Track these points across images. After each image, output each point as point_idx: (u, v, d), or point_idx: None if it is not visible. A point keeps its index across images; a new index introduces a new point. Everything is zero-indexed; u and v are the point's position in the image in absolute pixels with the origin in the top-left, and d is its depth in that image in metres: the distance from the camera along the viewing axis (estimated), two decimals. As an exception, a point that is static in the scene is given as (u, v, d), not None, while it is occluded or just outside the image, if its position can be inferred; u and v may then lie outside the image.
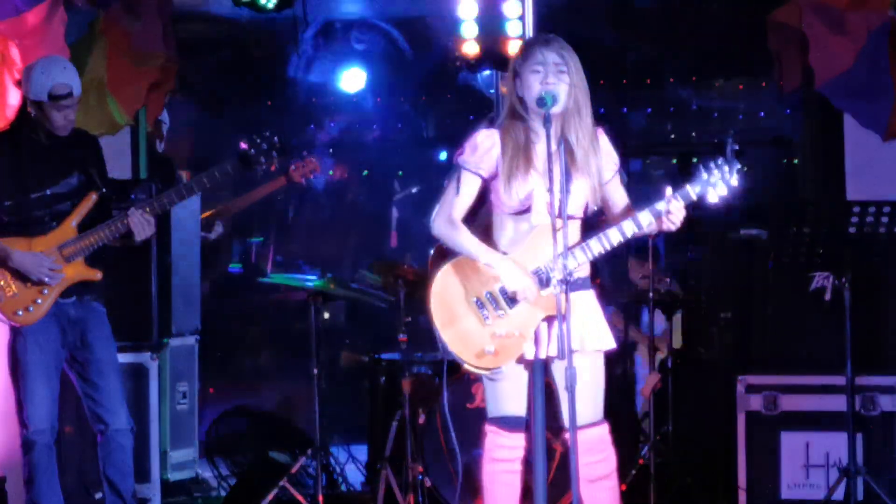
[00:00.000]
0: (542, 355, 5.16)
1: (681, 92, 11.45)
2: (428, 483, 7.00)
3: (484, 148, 5.21)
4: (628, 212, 5.21)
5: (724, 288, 7.93)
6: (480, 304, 5.15)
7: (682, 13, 9.68)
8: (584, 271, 5.22)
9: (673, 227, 5.13)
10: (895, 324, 7.13)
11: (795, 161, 10.37)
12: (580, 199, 5.16)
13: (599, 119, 5.32)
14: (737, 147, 5.13)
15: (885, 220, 6.74)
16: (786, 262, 7.07)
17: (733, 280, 7.65)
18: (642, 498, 7.19)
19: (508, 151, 5.17)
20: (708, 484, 7.36)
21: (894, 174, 7.64)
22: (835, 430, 6.86)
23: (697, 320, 8.21)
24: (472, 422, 6.90)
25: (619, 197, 5.29)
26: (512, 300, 5.14)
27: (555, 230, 4.97)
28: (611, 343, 5.27)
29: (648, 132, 11.49)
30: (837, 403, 6.80)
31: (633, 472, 7.27)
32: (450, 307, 5.17)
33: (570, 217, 5.06)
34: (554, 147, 5.06)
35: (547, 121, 5.05)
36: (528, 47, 5.24)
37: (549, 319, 5.16)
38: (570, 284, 4.96)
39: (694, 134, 11.36)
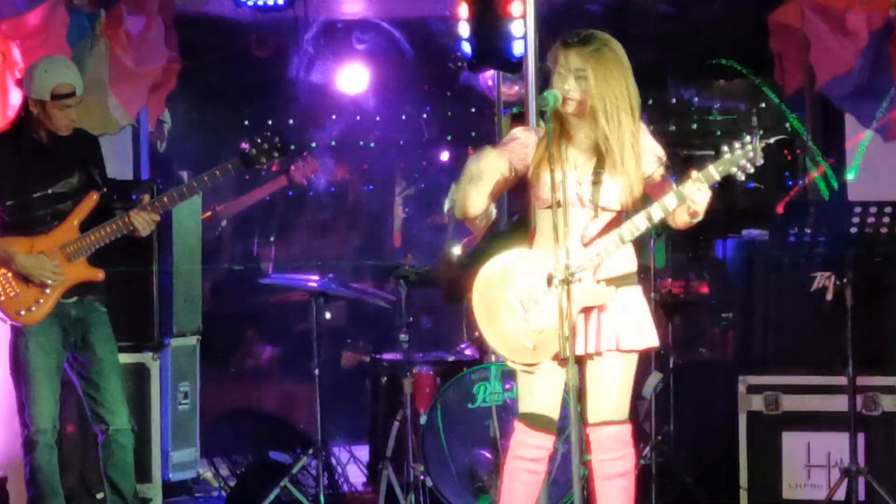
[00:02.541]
0: (581, 351, 5.14)
1: (681, 91, 11.44)
2: (429, 483, 7.00)
3: (521, 142, 5.23)
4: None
5: (725, 287, 7.94)
6: (518, 301, 5.14)
7: (682, 13, 9.67)
8: (627, 265, 5.21)
9: (697, 209, 5.08)
10: (896, 324, 7.15)
11: (797, 161, 10.36)
12: (614, 192, 5.14)
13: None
14: (755, 123, 5.10)
15: (886, 220, 6.74)
16: (787, 261, 7.07)
17: (734, 279, 7.65)
18: (644, 498, 7.18)
19: (542, 145, 5.18)
20: (709, 484, 7.35)
21: (895, 174, 7.64)
22: (836, 430, 6.86)
23: (698, 320, 8.22)
24: (473, 422, 6.93)
25: (663, 187, 5.22)
26: (547, 294, 5.10)
27: (556, 227, 4.98)
28: (650, 342, 5.22)
29: (649, 132, 11.47)
30: (839, 403, 6.80)
31: (635, 471, 7.26)
32: (490, 306, 5.17)
33: (604, 209, 5.10)
34: (552, 144, 5.08)
35: (548, 121, 5.05)
36: (555, 48, 5.23)
37: (587, 313, 5.15)
38: (609, 280, 5.03)
39: (695, 133, 11.36)
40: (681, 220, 5.18)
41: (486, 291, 5.20)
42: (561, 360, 5.11)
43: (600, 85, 5.12)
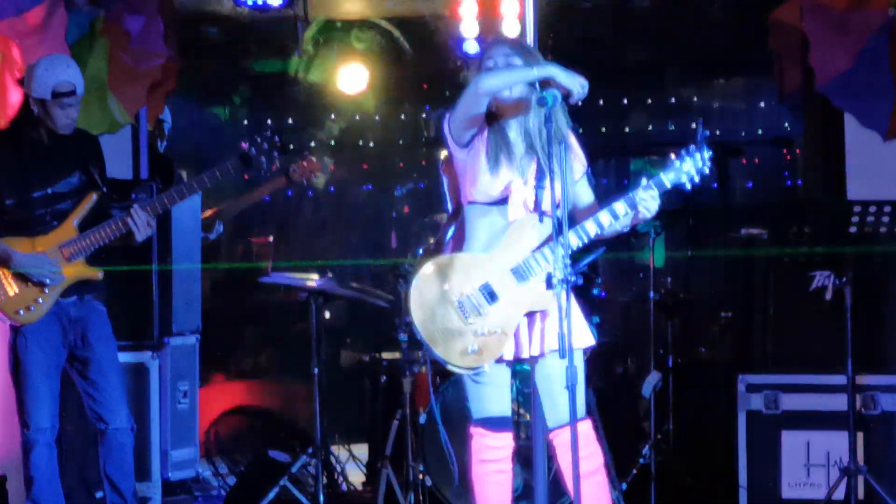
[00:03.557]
0: (525, 354, 5.17)
1: (681, 91, 11.46)
2: (429, 482, 7.00)
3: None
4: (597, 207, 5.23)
5: (724, 287, 7.94)
6: (461, 303, 5.14)
7: (682, 13, 9.68)
8: None
9: (648, 216, 5.13)
10: (895, 323, 7.15)
11: (796, 161, 10.38)
12: (553, 198, 5.15)
13: (596, 117, 5.34)
14: (707, 133, 5.13)
15: (885, 219, 6.75)
16: (786, 261, 7.08)
17: (734, 279, 7.65)
18: (643, 497, 7.19)
19: (492, 140, 5.19)
20: (709, 483, 7.37)
21: (895, 174, 7.65)
22: (835, 429, 6.86)
23: (698, 320, 8.22)
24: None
25: (587, 197, 5.29)
26: (492, 297, 5.13)
27: (555, 228, 4.98)
28: (589, 340, 5.27)
29: (649, 132, 11.50)
30: (838, 402, 6.80)
31: (634, 471, 7.27)
32: (430, 307, 5.16)
33: (543, 214, 5.11)
34: (521, 146, 5.09)
35: (548, 120, 5.05)
36: (484, 49, 5.29)
37: (530, 316, 5.17)
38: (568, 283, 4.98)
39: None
40: (619, 227, 5.19)
41: (425, 295, 5.17)
42: (503, 360, 5.16)
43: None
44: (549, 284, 5.01)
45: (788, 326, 7.16)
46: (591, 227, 5.14)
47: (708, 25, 9.82)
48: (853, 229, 6.72)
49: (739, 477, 7.05)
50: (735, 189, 11.05)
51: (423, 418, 7.08)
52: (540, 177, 5.12)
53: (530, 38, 6.36)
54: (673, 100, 11.53)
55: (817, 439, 6.99)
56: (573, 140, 5.30)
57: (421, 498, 7.03)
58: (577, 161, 5.29)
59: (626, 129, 11.39)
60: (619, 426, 7.32)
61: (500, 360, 5.20)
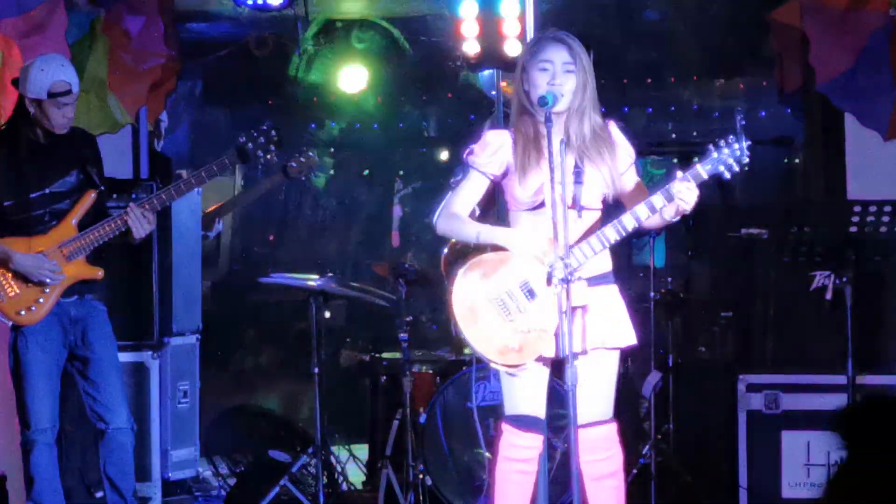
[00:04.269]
0: (565, 352, 5.13)
1: (681, 91, 11.46)
2: (429, 482, 7.00)
3: (493, 147, 5.21)
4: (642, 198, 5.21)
5: (724, 287, 7.94)
6: (501, 302, 5.13)
7: (682, 12, 9.69)
8: (606, 265, 5.22)
9: (687, 208, 5.10)
10: (895, 323, 7.15)
11: (796, 161, 10.38)
12: (595, 190, 5.16)
13: (604, 115, 5.35)
14: (744, 123, 5.10)
15: (885, 219, 6.74)
16: (786, 261, 7.08)
17: (734, 279, 7.65)
18: (643, 497, 7.19)
19: (520, 146, 5.18)
20: (709, 483, 7.36)
21: (895, 174, 7.65)
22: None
23: (698, 320, 8.21)
24: (473, 421, 6.92)
25: (635, 188, 5.28)
26: (532, 294, 5.12)
27: (555, 226, 4.98)
28: (631, 340, 5.23)
29: (649, 132, 11.49)
30: (838, 402, 6.80)
31: (634, 471, 7.27)
32: (471, 306, 5.15)
33: (584, 208, 5.10)
34: (557, 145, 5.06)
35: (548, 119, 5.05)
36: (537, 43, 5.25)
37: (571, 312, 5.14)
38: (590, 279, 5.03)
39: (695, 133, 11.38)
40: (659, 220, 5.19)
41: (466, 294, 5.16)
42: (545, 359, 5.13)
43: (587, 74, 5.18)
44: (549, 282, 5.02)
45: (788, 326, 7.17)
46: (628, 221, 5.12)
47: (708, 25, 9.82)
48: (853, 229, 6.72)
49: (739, 477, 7.05)
50: (735, 189, 11.04)
51: (423, 418, 7.08)
52: (578, 172, 5.11)
53: (530, 37, 6.37)
54: (673, 100, 11.52)
55: (817, 439, 6.98)
56: (615, 130, 5.29)
57: (421, 498, 7.03)
58: (624, 152, 5.27)
59: (626, 129, 11.37)
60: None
61: (540, 359, 5.18)
